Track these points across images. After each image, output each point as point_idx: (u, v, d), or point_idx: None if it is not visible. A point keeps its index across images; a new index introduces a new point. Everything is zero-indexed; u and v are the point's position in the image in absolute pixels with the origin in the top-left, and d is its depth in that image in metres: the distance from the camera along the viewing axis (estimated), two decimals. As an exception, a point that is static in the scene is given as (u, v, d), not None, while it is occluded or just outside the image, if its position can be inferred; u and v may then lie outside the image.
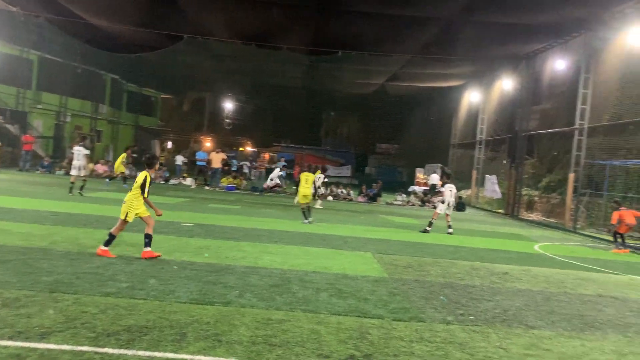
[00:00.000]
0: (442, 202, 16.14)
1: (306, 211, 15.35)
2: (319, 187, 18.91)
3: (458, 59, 26.73)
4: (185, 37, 25.06)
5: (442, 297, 7.42)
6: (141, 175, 8.37)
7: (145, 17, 23.75)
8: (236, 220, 14.33)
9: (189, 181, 27.94)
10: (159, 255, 8.33)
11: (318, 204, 21.53)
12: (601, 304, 7.89)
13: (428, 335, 5.59)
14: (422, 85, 35.44)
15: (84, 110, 38.64)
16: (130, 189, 8.45)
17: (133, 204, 8.23)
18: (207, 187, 26.57)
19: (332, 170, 50.90)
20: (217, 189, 26.31)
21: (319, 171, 17.65)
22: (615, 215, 15.36)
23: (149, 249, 8.29)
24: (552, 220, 23.70)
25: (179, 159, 32.14)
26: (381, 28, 22.07)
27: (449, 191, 16.06)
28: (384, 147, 60.51)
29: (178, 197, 20.13)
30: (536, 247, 14.47)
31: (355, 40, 24.21)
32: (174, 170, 31.15)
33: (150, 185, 8.38)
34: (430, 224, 15.81)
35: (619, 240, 15.43)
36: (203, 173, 27.62)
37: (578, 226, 20.77)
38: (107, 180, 22.60)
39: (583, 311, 7.35)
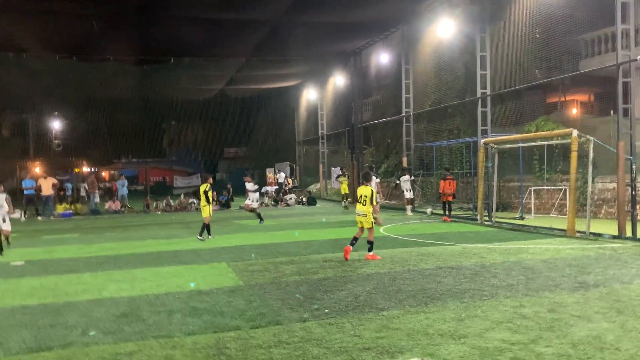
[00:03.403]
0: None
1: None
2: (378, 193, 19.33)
3: (291, 59, 27.44)
4: (-7, 55, 22.43)
5: (297, 295, 7.53)
6: (367, 189, 10.40)
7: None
8: (74, 250, 13.14)
9: (17, 214, 25.04)
10: (379, 258, 10.24)
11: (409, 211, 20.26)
12: (440, 276, 8.63)
13: (286, 337, 5.62)
14: (262, 87, 35.80)
15: None
16: None
17: (371, 214, 10.33)
18: (39, 218, 24.07)
19: (181, 181, 49.39)
20: (52, 218, 23.98)
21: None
22: (441, 184, 17.72)
23: (372, 252, 10.37)
24: (393, 202, 25.47)
25: None
26: (209, 33, 21.83)
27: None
28: (232, 151, 60.11)
29: (5, 233, 17.92)
30: (381, 230, 15.40)
31: (186, 46, 23.65)
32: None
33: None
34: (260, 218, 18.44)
35: (446, 209, 17.84)
36: (33, 202, 24.92)
37: (416, 204, 22.55)
38: None
39: (425, 285, 7.97)
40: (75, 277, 9.43)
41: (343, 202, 24.79)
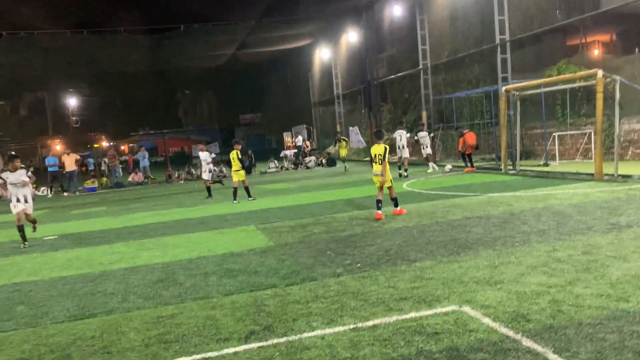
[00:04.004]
0: None
1: None
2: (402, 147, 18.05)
3: (302, 17, 26.95)
4: (4, 35, 22.41)
5: (328, 252, 7.59)
6: (381, 148, 10.11)
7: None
8: (104, 222, 13.38)
9: (42, 190, 25.55)
10: (405, 212, 10.25)
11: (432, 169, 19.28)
12: (469, 226, 8.60)
13: (322, 292, 5.69)
14: (274, 49, 35.40)
15: None
16: None
17: (389, 174, 10.23)
18: (65, 193, 24.50)
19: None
20: (77, 193, 24.39)
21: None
22: (460, 141, 17.59)
23: (399, 207, 10.30)
24: (414, 158, 25.28)
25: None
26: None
27: None
28: (248, 117, 60.10)
29: (34, 211, 18.27)
30: (404, 185, 15.35)
31: (195, 12, 23.37)
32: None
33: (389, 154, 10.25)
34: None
35: (467, 161, 17.97)
36: (57, 179, 25.35)
37: (437, 159, 22.37)
38: None
39: (455, 235, 7.96)
40: (108, 247, 9.63)
41: (345, 165, 24.43)
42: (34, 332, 5.25)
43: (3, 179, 10.61)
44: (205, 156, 16.96)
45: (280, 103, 48.74)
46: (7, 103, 48.91)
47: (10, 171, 10.54)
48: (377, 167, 10.23)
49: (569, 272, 5.65)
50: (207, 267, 7.33)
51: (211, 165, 17.22)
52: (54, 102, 49.21)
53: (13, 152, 10.75)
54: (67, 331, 5.19)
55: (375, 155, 10.25)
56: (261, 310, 5.29)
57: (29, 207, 10.77)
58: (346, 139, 25.32)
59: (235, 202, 14.73)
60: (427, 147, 19.26)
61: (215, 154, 42.53)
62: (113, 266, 7.97)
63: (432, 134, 20.20)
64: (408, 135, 18.86)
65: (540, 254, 6.45)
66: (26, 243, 10.51)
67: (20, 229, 10.49)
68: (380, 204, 10.17)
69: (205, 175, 16.81)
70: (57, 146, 41.35)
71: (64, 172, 24.81)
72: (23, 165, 11.06)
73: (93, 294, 6.50)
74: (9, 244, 11.13)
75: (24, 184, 10.52)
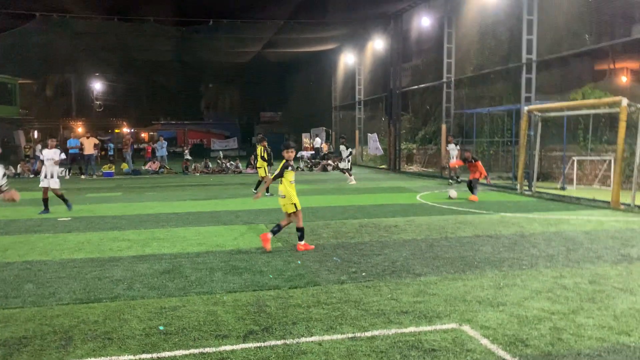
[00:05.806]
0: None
1: None
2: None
3: (330, 22, 27.03)
4: (38, 15, 22.83)
5: (335, 258, 7.62)
6: (280, 164, 8.19)
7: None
8: (117, 208, 13.57)
9: (61, 171, 25.92)
10: (312, 248, 8.29)
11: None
12: (478, 244, 8.57)
13: (324, 298, 5.72)
14: (299, 51, 35.52)
15: None
16: None
17: (292, 194, 8.06)
18: (83, 176, 24.84)
19: (218, 144, 50.00)
20: (95, 177, 24.71)
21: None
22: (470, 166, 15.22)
23: (304, 242, 8.26)
24: (430, 170, 25.20)
25: (38, 149, 28.85)
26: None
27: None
28: (269, 115, 60.39)
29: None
30: (418, 197, 15.32)
31: (225, 7, 23.59)
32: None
33: (285, 169, 8.11)
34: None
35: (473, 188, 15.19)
36: (77, 161, 25.73)
37: (453, 174, 22.23)
38: None
39: (463, 253, 7.93)
40: (119, 233, 9.75)
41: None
42: (39, 312, 5.35)
43: None
44: (52, 154, 12.31)
45: (301, 104, 48.90)
46: (34, 82, 49.74)
47: None
48: (280, 187, 8.14)
49: (573, 300, 5.61)
50: (214, 262, 7.41)
51: (55, 168, 12.32)
52: (80, 85, 49.93)
53: None
54: (72, 313, 5.29)
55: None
56: (262, 310, 5.33)
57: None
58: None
59: (267, 194, 15.08)
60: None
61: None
62: (122, 253, 8.09)
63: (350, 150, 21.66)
64: (458, 147, 20.15)
65: (546, 279, 6.42)
66: None
67: None
68: (276, 229, 8.14)
69: (54, 183, 12.32)
70: (79, 129, 42.00)
71: (83, 154, 25.16)
72: None
73: (100, 278, 6.60)
74: (24, 221, 11.34)
75: None
